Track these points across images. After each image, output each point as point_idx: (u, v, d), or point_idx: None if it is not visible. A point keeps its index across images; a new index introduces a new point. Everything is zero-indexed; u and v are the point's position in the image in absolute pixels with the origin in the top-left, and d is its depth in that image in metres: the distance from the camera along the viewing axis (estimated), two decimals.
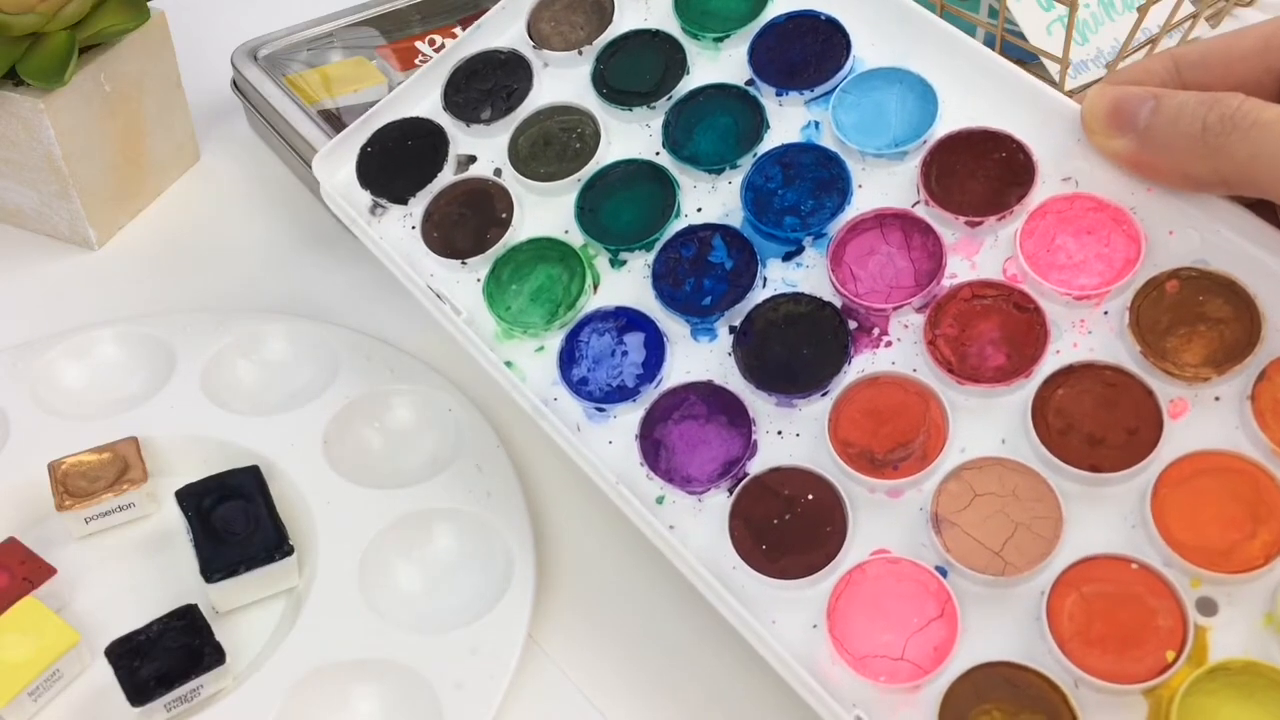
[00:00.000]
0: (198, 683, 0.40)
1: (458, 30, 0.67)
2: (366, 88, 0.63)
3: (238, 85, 0.64)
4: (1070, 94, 0.57)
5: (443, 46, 0.63)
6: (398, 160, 0.48)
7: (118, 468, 0.46)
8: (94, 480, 0.45)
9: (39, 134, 0.54)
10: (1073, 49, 0.60)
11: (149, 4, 0.57)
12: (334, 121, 0.60)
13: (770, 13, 0.45)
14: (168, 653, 0.40)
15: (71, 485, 0.45)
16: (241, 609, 0.44)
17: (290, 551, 0.43)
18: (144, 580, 0.45)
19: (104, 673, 0.40)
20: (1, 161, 0.57)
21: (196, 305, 0.55)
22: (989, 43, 0.57)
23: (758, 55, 0.45)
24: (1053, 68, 0.62)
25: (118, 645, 0.40)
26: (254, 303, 0.56)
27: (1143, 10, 0.59)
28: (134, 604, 0.43)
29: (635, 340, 0.42)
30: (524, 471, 0.48)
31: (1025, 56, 0.64)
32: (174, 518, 0.45)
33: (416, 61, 0.66)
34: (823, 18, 0.44)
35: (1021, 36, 0.62)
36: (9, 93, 0.53)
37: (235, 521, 0.44)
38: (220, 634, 0.41)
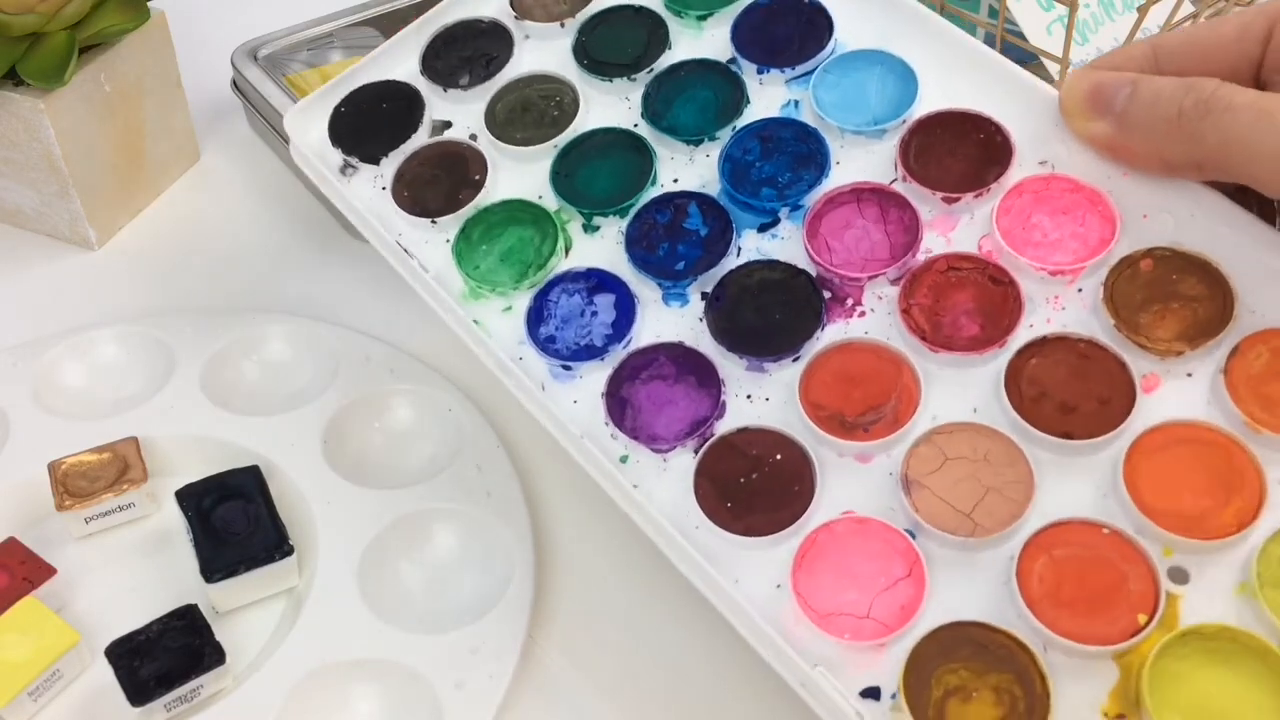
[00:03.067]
0: (198, 683, 0.40)
1: None
2: None
3: (238, 85, 0.64)
4: None
5: None
6: (372, 121, 0.47)
7: (118, 468, 0.46)
8: (94, 480, 0.45)
9: (39, 134, 0.54)
10: (1073, 49, 0.60)
11: (149, 4, 0.57)
12: None
13: None
14: (168, 653, 0.40)
15: (71, 485, 0.45)
16: (241, 609, 0.44)
17: (290, 551, 0.43)
18: (144, 580, 0.45)
19: (104, 673, 0.40)
20: (1, 161, 0.57)
21: (196, 305, 0.55)
22: (989, 42, 0.57)
23: (740, 34, 0.44)
24: (1052, 68, 0.62)
25: (118, 645, 0.40)
26: (254, 303, 0.56)
27: (1143, 10, 0.59)
28: (134, 604, 0.43)
29: (605, 301, 0.42)
30: (524, 471, 0.48)
31: (1025, 57, 0.64)
32: (174, 518, 0.45)
33: None
34: (806, 0, 0.44)
35: (1021, 36, 0.62)
36: (9, 93, 0.53)
37: (235, 521, 0.44)
38: (220, 634, 0.41)
